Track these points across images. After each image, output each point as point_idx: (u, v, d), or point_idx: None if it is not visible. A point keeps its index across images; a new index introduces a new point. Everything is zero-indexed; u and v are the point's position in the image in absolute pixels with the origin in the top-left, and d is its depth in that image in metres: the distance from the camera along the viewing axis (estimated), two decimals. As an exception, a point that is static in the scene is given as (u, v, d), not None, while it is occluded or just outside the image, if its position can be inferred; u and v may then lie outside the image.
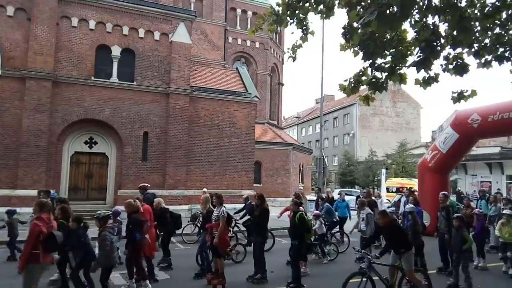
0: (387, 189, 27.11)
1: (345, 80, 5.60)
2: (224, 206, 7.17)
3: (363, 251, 6.31)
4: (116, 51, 16.98)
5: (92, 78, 16.48)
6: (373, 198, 12.13)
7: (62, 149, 16.22)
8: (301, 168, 30.50)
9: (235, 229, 10.23)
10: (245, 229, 10.32)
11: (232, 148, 19.43)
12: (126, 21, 17.16)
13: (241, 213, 10.91)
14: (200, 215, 11.64)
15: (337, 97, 60.18)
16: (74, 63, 16.31)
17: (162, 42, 17.81)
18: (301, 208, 8.02)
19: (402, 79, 5.33)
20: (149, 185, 10.71)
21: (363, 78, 5.47)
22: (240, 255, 8.86)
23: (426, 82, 5.23)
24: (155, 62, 17.65)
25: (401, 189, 26.04)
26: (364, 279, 5.68)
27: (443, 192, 9.27)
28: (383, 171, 30.44)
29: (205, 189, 13.86)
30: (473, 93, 5.31)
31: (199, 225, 11.72)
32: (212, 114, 19.06)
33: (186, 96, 17.97)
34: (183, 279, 7.52)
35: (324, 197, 12.88)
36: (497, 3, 4.73)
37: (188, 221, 12.04)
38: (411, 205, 8.30)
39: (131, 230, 6.42)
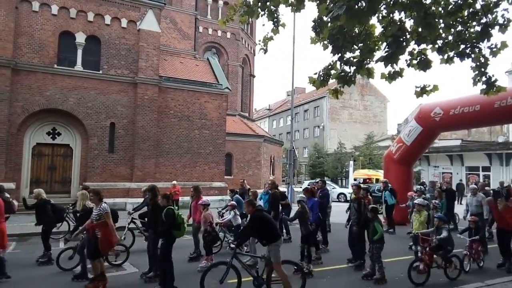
0: (355, 180, 27.90)
1: (315, 74, 5.64)
2: (105, 202, 6.32)
3: (231, 241, 6.09)
4: (80, 38, 16.29)
5: (55, 66, 15.75)
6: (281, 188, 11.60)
7: (23, 140, 15.45)
8: (272, 160, 30.75)
9: (132, 225, 9.40)
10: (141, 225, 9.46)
11: (202, 140, 19.25)
12: (91, 7, 16.46)
13: (142, 209, 9.62)
14: (70, 211, 10.27)
15: (308, 90, 60.89)
16: (36, 49, 15.50)
17: (129, 29, 17.25)
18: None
19: (369, 73, 5.45)
20: None
21: (332, 71, 5.53)
22: (121, 257, 7.74)
23: (391, 77, 5.36)
24: (122, 51, 17.10)
25: (367, 180, 26.92)
26: (230, 268, 5.64)
27: (356, 184, 9.21)
28: (351, 162, 31.30)
29: (83, 185, 11.53)
30: (435, 87, 5.50)
31: (66, 220, 10.21)
32: (182, 105, 18.76)
33: (155, 86, 17.55)
34: (63, 282, 6.68)
35: (235, 189, 12.35)
36: (459, 1, 4.91)
37: None
38: (301, 194, 8.18)
39: None
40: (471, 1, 4.89)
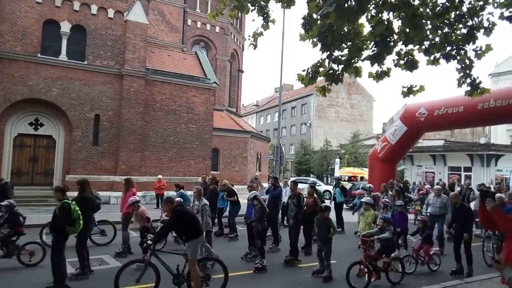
0: (340, 178, 28.12)
1: (304, 71, 5.64)
2: None
3: (149, 239, 5.72)
4: (65, 27, 15.92)
5: (39, 55, 15.37)
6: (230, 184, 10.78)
7: (4, 130, 15.07)
8: (259, 156, 30.77)
9: None
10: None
11: (189, 134, 19.11)
12: (77, -4, 16.10)
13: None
14: None
15: (296, 87, 60.96)
16: (18, 38, 15.09)
17: (116, 20, 16.93)
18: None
19: (357, 72, 5.47)
20: None
21: (321, 69, 5.54)
22: (36, 256, 7.03)
23: (379, 76, 5.42)
24: (109, 41, 16.78)
25: (353, 178, 27.21)
26: (147, 266, 5.47)
27: (293, 180, 9.22)
28: (337, 160, 31.56)
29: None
30: (421, 88, 5.58)
31: None
32: (169, 99, 18.56)
33: (141, 78, 17.31)
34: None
35: (180, 184, 12.00)
36: (446, 3, 4.97)
37: None
38: (254, 191, 8.13)
39: None
40: (458, 4, 4.95)
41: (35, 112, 15.84)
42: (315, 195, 9.00)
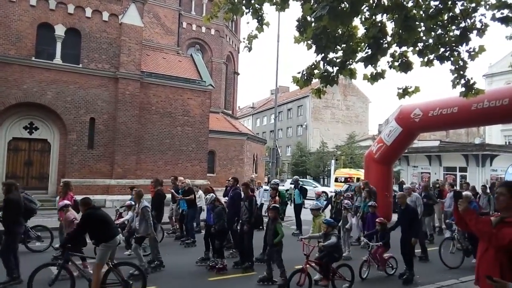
0: (336, 179, 28.20)
1: (299, 73, 5.65)
2: None
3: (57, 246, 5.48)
4: (60, 30, 15.86)
5: (33, 58, 15.29)
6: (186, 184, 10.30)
7: (-3, 134, 14.97)
8: (255, 158, 30.79)
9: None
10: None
11: (185, 137, 19.08)
12: (71, -1, 16.05)
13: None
14: None
15: (292, 89, 61.10)
16: (12, 41, 15.01)
17: (111, 23, 16.90)
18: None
19: (352, 74, 5.49)
20: None
21: (316, 71, 5.55)
22: None
23: (374, 78, 5.44)
24: (103, 44, 16.74)
25: (349, 179, 27.26)
26: (58, 269, 5.45)
27: (244, 182, 8.70)
28: (333, 161, 31.60)
29: None
30: (416, 89, 5.61)
31: None
32: (165, 102, 18.53)
33: (136, 81, 17.27)
34: None
35: (135, 187, 11.29)
36: (439, 5, 5.01)
37: None
38: (212, 194, 7.79)
39: None
40: (451, 6, 4.98)
41: (29, 116, 15.75)
42: (277, 197, 8.70)
